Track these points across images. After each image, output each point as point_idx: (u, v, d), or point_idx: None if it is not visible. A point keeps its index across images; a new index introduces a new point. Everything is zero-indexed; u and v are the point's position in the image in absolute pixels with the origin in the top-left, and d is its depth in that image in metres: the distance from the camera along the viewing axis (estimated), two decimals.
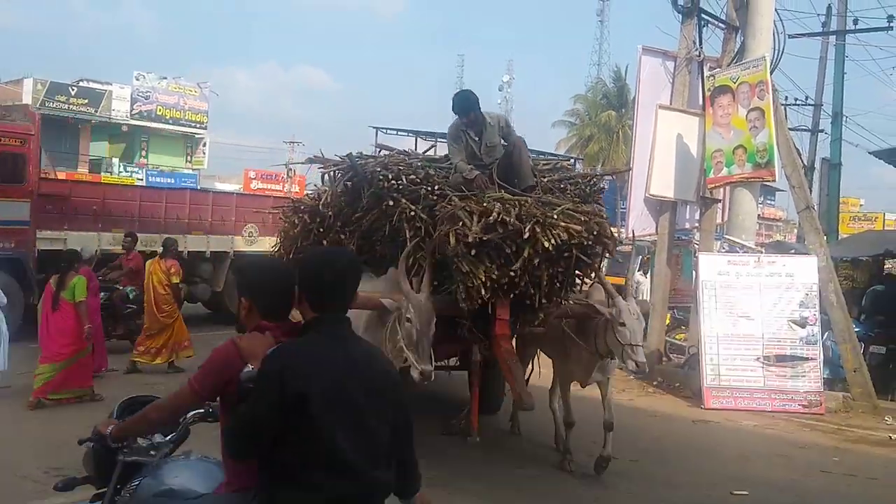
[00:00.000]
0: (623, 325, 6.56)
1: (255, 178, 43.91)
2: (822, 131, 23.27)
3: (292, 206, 9.05)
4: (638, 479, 7.33)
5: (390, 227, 7.05)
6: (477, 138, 7.43)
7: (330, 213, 7.77)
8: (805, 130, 24.26)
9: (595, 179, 8.40)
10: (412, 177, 7.08)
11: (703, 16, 13.58)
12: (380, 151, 8.66)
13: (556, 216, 6.46)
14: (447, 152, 7.77)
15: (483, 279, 6.26)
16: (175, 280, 11.46)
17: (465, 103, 7.37)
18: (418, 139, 14.35)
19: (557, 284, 6.85)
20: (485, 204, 6.47)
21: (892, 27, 17.20)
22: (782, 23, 13.04)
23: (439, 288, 6.66)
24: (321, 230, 7.98)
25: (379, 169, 7.16)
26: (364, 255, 7.38)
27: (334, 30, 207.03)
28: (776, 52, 12.57)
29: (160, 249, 12.12)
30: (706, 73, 13.09)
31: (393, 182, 6.95)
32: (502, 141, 7.57)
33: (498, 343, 6.84)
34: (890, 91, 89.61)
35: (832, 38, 20.29)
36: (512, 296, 6.57)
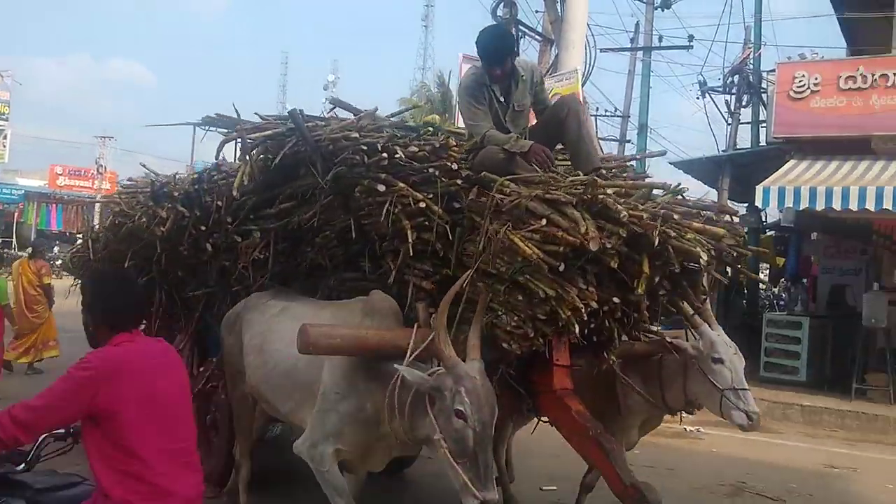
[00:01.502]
0: (720, 361, 4.79)
1: (61, 175, 41.23)
2: (629, 142, 24.56)
3: (145, 192, 6.58)
4: None
5: (358, 225, 4.79)
6: (503, 98, 5.11)
7: (236, 199, 5.39)
8: (614, 140, 25.52)
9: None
10: (414, 149, 4.66)
11: (521, 27, 14.09)
12: (332, 112, 6.03)
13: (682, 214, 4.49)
14: (463, 116, 5.29)
15: (580, 306, 4.04)
16: (46, 281, 11.42)
17: (501, 46, 4.99)
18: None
19: (647, 313, 4.64)
20: (577, 191, 4.15)
21: (692, 46, 18.52)
22: (594, 37, 13.70)
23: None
24: (205, 227, 5.77)
25: (345, 135, 4.74)
26: (280, 265, 5.48)
27: (154, 24, 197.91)
28: (588, 65, 13.18)
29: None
30: None
31: (379, 157, 4.54)
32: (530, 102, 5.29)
33: (563, 403, 4.58)
34: (689, 105, 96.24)
35: (639, 54, 21.47)
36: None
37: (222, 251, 5.77)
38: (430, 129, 5.25)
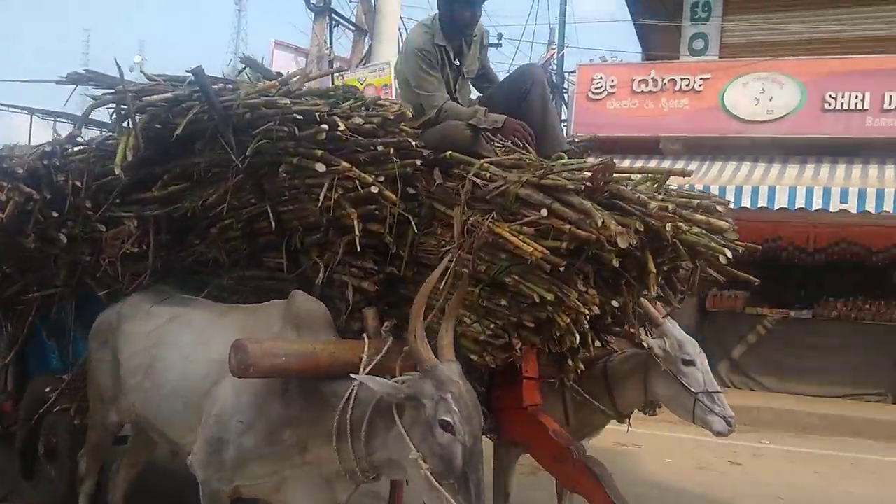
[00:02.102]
0: (691, 363, 4.36)
1: None
2: None
3: None
4: None
5: (275, 213, 3.90)
6: (458, 62, 4.40)
7: (101, 180, 4.46)
8: None
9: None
10: (358, 121, 3.66)
11: (335, 16, 14.05)
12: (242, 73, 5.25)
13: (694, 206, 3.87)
14: (411, 83, 4.32)
15: (584, 311, 3.45)
16: None
17: None
18: (34, 117, 12.92)
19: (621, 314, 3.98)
20: (581, 176, 3.46)
21: (500, 44, 19.15)
22: (407, 31, 13.83)
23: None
24: (57, 213, 4.56)
25: (267, 101, 3.70)
26: (162, 261, 4.45)
27: None
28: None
29: None
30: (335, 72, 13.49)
31: (316, 129, 3.56)
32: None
33: (535, 421, 4.01)
34: None
35: None
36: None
37: (80, 243, 4.59)
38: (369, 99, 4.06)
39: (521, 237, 3.33)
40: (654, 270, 3.54)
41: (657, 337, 4.36)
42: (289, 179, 3.72)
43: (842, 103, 11.85)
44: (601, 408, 4.46)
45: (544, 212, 3.36)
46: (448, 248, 3.55)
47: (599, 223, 3.21)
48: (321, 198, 3.52)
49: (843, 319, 12.09)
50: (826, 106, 11.91)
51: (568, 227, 3.29)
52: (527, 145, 3.95)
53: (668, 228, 3.41)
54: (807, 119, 12.03)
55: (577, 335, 3.55)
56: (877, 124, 11.76)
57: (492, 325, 3.50)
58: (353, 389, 3.11)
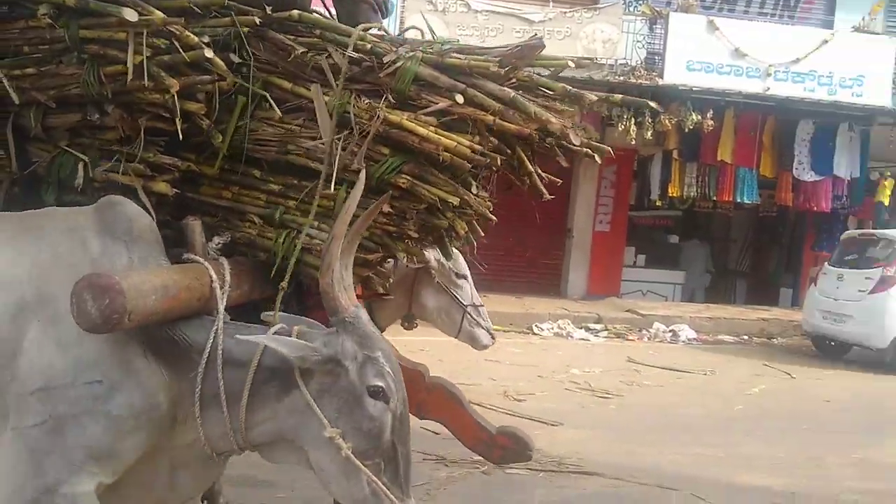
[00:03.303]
0: (464, 277, 4.46)
1: None
2: None
3: None
4: None
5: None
6: None
7: None
8: None
9: None
10: None
11: None
12: None
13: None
14: None
15: (490, 217, 3.06)
16: None
17: None
18: None
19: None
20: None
21: None
22: None
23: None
24: None
25: None
26: None
27: None
28: None
29: None
30: None
31: None
32: None
33: None
34: None
35: None
36: None
37: None
38: None
39: (431, 129, 2.72)
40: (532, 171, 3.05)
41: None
42: (47, 28, 2.68)
43: None
44: None
45: (460, 98, 2.73)
46: (294, 138, 2.85)
47: (534, 115, 2.69)
48: (130, 61, 2.57)
49: None
50: None
51: (492, 118, 2.73)
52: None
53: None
54: None
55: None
56: None
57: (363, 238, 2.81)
58: (214, 338, 2.34)
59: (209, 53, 2.65)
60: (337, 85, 2.75)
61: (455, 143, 2.68)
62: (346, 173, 2.73)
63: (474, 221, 3.03)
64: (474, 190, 2.87)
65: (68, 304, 2.14)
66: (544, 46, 2.80)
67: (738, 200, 14.89)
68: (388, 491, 2.27)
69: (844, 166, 14.38)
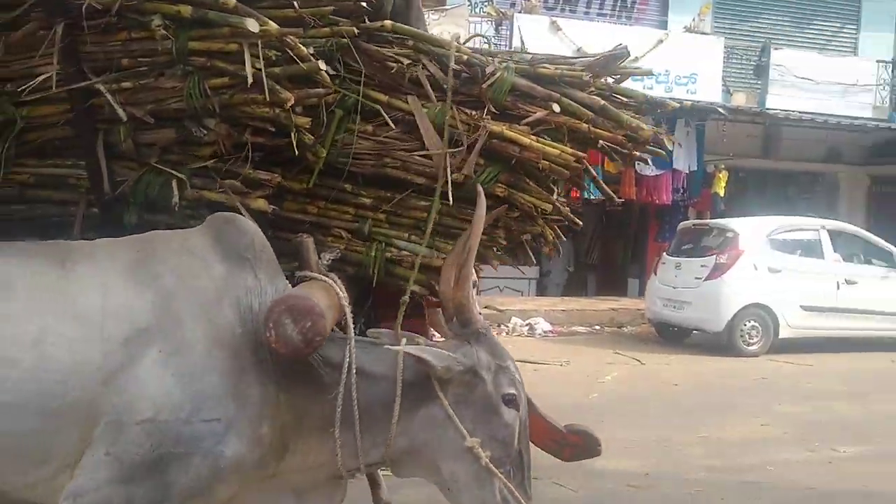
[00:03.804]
0: None
1: None
2: None
3: None
4: None
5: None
6: None
7: None
8: None
9: None
10: None
11: None
12: None
13: None
14: None
15: (577, 222, 3.36)
16: None
17: None
18: None
19: None
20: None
21: None
22: None
23: None
24: None
25: None
26: None
27: None
28: None
29: None
30: None
31: None
32: None
33: None
34: None
35: None
36: None
37: None
38: None
39: (532, 138, 2.79)
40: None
41: None
42: (158, 40, 2.46)
43: None
44: None
45: (556, 107, 2.81)
46: (391, 151, 2.81)
47: (625, 123, 2.88)
48: (248, 72, 2.39)
49: None
50: None
51: (586, 126, 2.84)
52: None
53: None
54: None
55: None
56: None
57: (449, 246, 2.79)
58: (351, 355, 2.27)
59: (323, 65, 2.54)
60: (441, 97, 2.76)
61: (559, 152, 2.79)
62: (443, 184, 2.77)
63: (557, 227, 3.19)
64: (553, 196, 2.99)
65: (195, 332, 2.09)
66: (629, 55, 3.01)
67: (586, 196, 15.35)
68: (519, 496, 2.31)
69: (683, 160, 15.11)
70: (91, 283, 2.13)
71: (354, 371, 2.25)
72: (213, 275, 2.22)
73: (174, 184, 2.53)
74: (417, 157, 2.77)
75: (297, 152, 2.60)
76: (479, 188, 2.55)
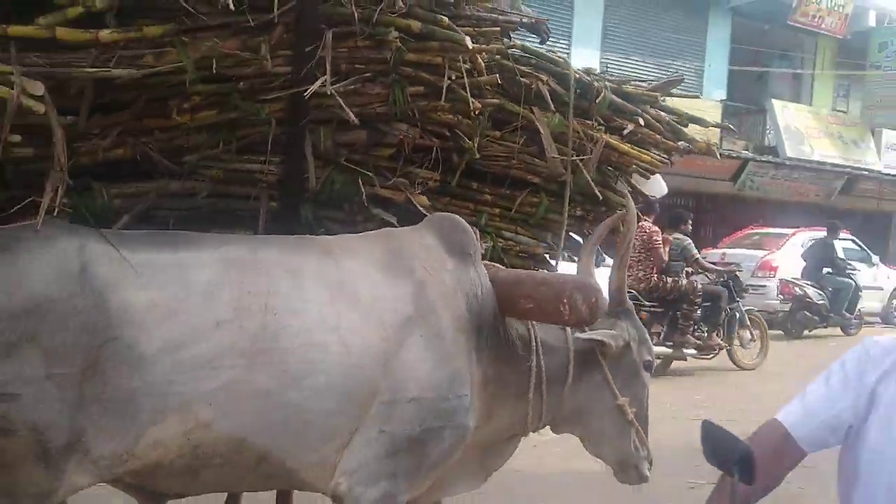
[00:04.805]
0: None
1: None
2: None
3: None
4: None
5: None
6: None
7: None
8: None
9: None
10: None
11: None
12: None
13: None
14: None
15: None
16: None
17: None
18: None
19: None
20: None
21: None
22: None
23: None
24: None
25: None
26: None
27: None
28: None
29: None
30: None
31: None
32: None
33: None
34: None
35: None
36: None
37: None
38: None
39: (629, 146, 3.33)
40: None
41: None
42: (362, 48, 2.69)
43: None
44: None
45: (641, 121, 3.32)
46: (517, 155, 3.18)
47: (685, 136, 3.49)
48: (466, 83, 2.78)
49: None
50: None
51: (659, 137, 3.39)
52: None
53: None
54: None
55: None
56: None
57: (549, 237, 3.31)
58: (535, 332, 2.68)
59: (498, 79, 2.94)
60: (559, 110, 3.17)
61: (650, 157, 3.38)
62: (550, 183, 3.24)
63: None
64: None
65: (445, 319, 2.43)
66: (683, 80, 3.65)
67: None
68: (647, 444, 2.79)
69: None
70: (359, 275, 2.40)
71: (539, 344, 2.67)
72: (448, 268, 2.55)
73: (360, 181, 2.79)
74: (538, 161, 3.17)
75: (476, 155, 3.02)
76: (628, 197, 3.07)
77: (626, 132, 3.27)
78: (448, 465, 2.51)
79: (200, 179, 2.66)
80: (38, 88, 2.14)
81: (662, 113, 3.44)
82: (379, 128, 2.79)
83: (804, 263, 14.19)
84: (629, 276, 4.09)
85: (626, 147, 3.28)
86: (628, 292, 2.92)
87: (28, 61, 2.19)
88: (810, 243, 14.67)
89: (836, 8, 20.28)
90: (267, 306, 2.19)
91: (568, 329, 2.70)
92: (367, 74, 2.69)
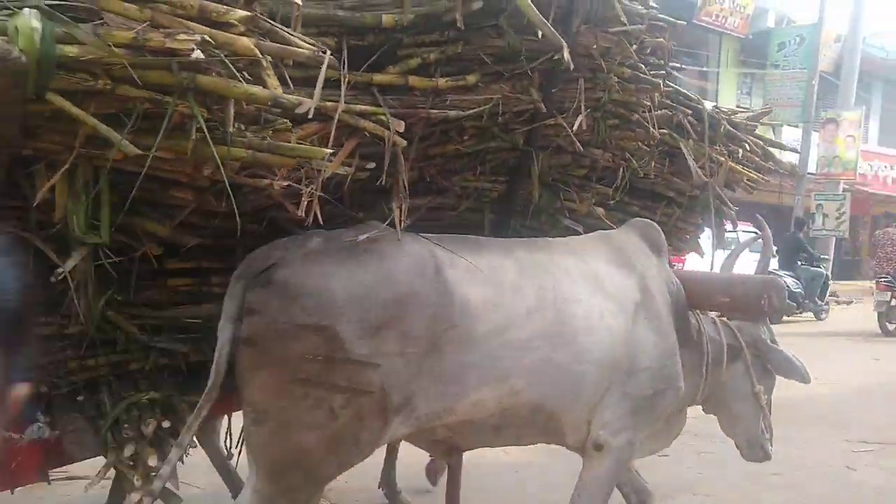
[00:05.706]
0: None
1: None
2: None
3: None
4: None
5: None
6: None
7: None
8: None
9: None
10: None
11: None
12: None
13: None
14: None
15: None
16: None
17: None
18: None
19: None
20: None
21: None
22: None
23: None
24: None
25: None
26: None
27: None
28: None
29: None
30: None
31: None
32: None
33: None
34: None
35: None
36: None
37: None
38: None
39: (740, 167, 4.04)
40: None
41: None
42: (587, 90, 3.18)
43: None
44: None
45: (746, 146, 4.05)
46: (662, 174, 3.86)
47: (776, 158, 4.23)
48: (653, 121, 3.49)
49: None
50: None
51: (758, 159, 4.14)
52: None
53: None
54: None
55: None
56: None
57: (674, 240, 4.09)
58: (701, 321, 3.41)
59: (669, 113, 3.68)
60: (700, 140, 3.81)
61: (758, 176, 4.16)
62: (681, 197, 3.93)
63: None
64: None
65: (660, 303, 3.10)
66: (771, 111, 4.41)
67: None
68: (771, 428, 3.49)
69: None
70: (599, 270, 3.04)
71: (707, 334, 3.39)
72: (654, 263, 3.26)
73: (561, 195, 3.49)
74: (675, 178, 3.88)
75: (653, 174, 3.74)
76: (760, 219, 3.77)
77: (741, 154, 3.98)
78: (663, 420, 3.23)
79: (445, 198, 3.23)
80: (401, 126, 2.66)
81: (756, 139, 4.17)
82: (581, 153, 3.39)
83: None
84: None
85: (738, 167, 4.02)
86: None
87: (386, 104, 2.68)
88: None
89: (738, 8, 21.85)
90: (556, 298, 2.83)
91: (718, 322, 3.47)
92: (587, 110, 3.20)
